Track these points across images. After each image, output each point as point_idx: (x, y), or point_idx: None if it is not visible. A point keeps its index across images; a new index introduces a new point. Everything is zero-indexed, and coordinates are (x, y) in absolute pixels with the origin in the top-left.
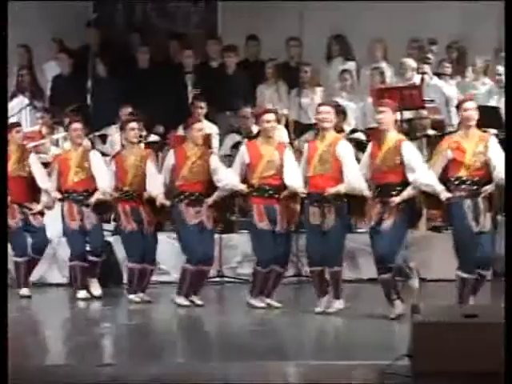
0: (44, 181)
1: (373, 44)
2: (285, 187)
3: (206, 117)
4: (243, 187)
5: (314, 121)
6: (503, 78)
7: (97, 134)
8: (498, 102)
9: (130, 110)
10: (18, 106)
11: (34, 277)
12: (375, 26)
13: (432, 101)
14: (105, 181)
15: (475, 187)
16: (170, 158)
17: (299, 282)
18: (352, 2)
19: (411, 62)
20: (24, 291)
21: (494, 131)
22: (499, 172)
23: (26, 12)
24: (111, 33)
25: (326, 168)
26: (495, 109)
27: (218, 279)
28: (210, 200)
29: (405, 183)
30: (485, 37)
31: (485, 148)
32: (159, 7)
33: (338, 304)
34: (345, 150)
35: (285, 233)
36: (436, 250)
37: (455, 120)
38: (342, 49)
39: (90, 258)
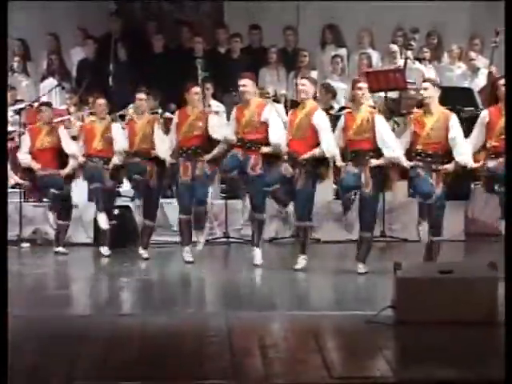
0: (71, 148)
1: (361, 32)
2: (264, 143)
3: (214, 96)
4: (233, 138)
5: None
6: (475, 62)
7: (117, 114)
8: (470, 83)
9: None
10: (48, 87)
11: None
12: (364, 16)
13: (413, 83)
14: (120, 145)
15: (429, 159)
16: (175, 118)
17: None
18: None
19: (395, 48)
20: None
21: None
22: (458, 150)
23: (53, 4)
24: (130, 22)
25: (303, 134)
26: (469, 89)
27: (224, 239)
28: (208, 156)
29: (376, 149)
30: (459, 27)
31: (445, 125)
32: None
33: (302, 259)
34: (319, 119)
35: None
36: (415, 214)
37: None
38: (335, 37)
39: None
